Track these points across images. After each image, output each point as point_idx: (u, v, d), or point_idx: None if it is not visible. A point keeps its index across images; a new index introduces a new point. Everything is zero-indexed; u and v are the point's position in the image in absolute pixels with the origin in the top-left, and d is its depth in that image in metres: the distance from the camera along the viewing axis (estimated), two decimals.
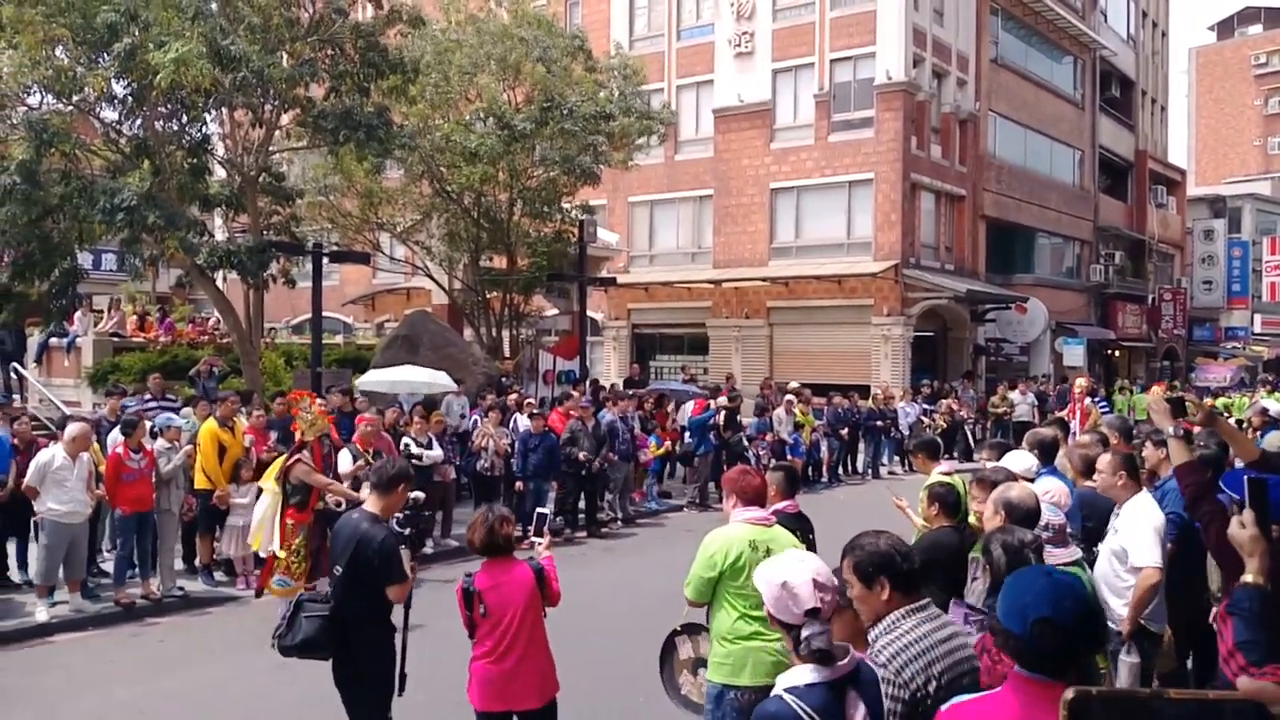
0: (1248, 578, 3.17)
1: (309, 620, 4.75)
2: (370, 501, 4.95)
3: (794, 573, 2.79)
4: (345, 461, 9.76)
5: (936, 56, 25.94)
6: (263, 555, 8.41)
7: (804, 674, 2.70)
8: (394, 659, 4.88)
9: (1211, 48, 63.53)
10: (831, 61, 25.71)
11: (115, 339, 17.85)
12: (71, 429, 8.75)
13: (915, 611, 2.96)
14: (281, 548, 8.10)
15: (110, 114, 13.51)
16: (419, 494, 5.34)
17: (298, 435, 8.52)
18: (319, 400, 9.53)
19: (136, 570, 9.22)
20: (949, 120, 26.52)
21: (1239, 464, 5.12)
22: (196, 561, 10.12)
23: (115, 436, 9.44)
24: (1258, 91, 60.11)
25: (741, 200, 26.89)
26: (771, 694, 2.73)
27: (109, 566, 9.53)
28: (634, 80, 19.70)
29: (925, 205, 25.98)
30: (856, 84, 25.38)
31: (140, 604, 8.99)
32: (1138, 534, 5.02)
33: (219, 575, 9.92)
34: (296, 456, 8.26)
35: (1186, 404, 4.80)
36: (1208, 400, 10.41)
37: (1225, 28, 64.47)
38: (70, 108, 12.96)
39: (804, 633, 2.71)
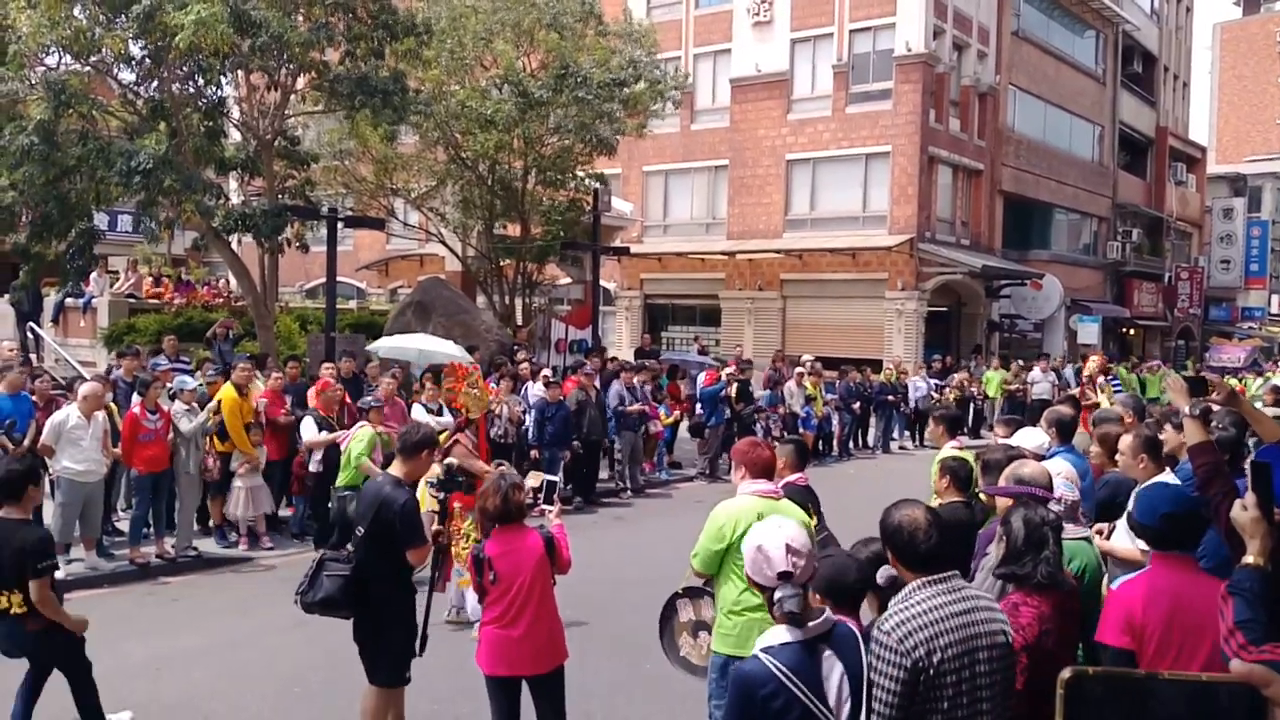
0: (1249, 559, 3.20)
1: (330, 579, 4.89)
2: (395, 465, 5.11)
3: (769, 538, 2.93)
4: (309, 430, 9.87)
5: (957, 28, 25.61)
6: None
7: (779, 634, 2.84)
8: (414, 620, 5.01)
9: (1237, 23, 62.43)
10: (851, 32, 25.42)
11: (131, 300, 17.96)
12: (84, 388, 8.84)
13: (934, 584, 2.98)
14: (455, 536, 7.32)
15: (127, 75, 13.51)
16: (452, 460, 5.42)
17: (461, 413, 7.73)
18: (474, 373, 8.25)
19: (151, 529, 9.34)
20: (968, 93, 26.23)
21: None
22: (210, 522, 10.25)
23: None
24: None
25: (757, 171, 26.72)
26: (749, 655, 2.87)
27: (124, 525, 9.67)
28: (646, 44, 19.53)
29: (942, 179, 25.78)
30: (875, 55, 25.10)
31: (154, 563, 9.13)
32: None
33: (232, 536, 10.04)
34: (456, 437, 7.50)
35: (1207, 382, 4.78)
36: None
37: (1251, 3, 63.30)
38: (88, 68, 12.95)
39: (777, 594, 2.85)
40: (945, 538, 3.09)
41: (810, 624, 2.85)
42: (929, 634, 2.87)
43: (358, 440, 8.67)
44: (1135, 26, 34.37)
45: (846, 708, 2.81)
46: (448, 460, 6.89)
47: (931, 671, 2.84)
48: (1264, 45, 59.80)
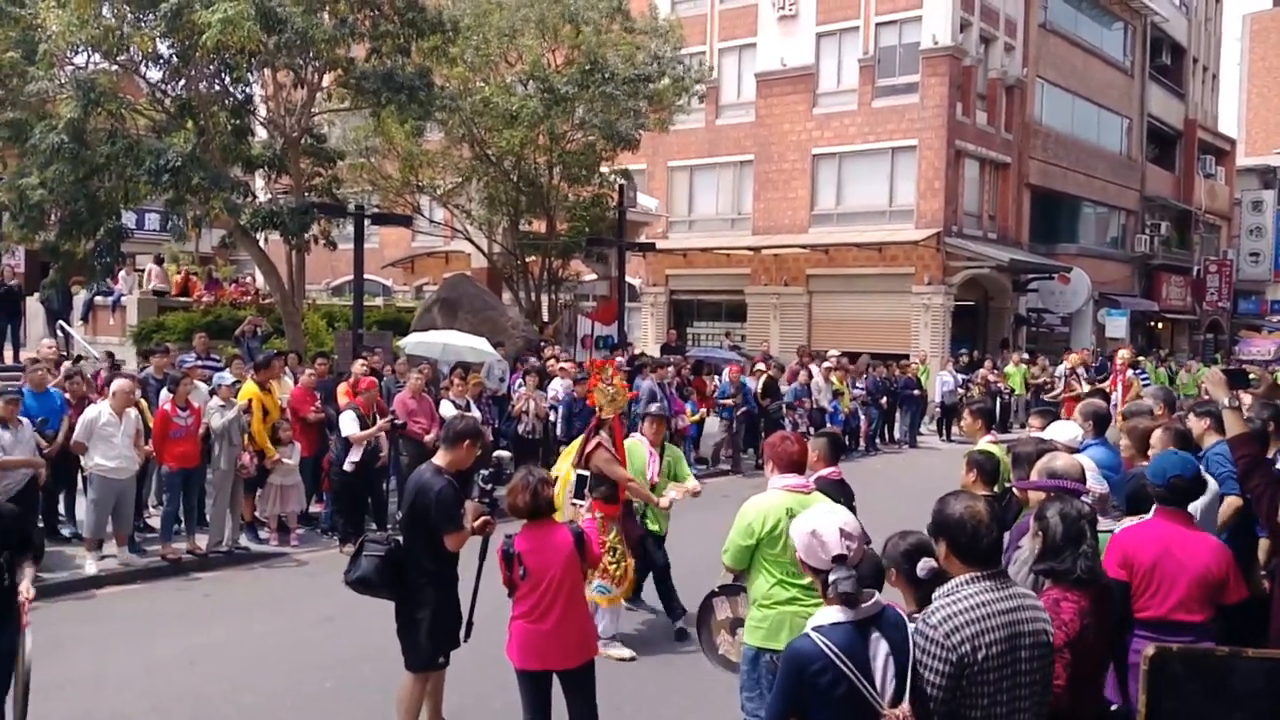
0: None
1: (368, 559, 5.05)
2: (438, 455, 5.22)
3: (823, 523, 3.05)
4: (350, 424, 9.85)
5: (984, 21, 25.35)
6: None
7: (831, 614, 2.94)
8: (453, 608, 5.09)
9: (1267, 14, 61.27)
10: (877, 25, 25.21)
11: (159, 298, 18.13)
12: (114, 385, 8.91)
13: (982, 579, 2.95)
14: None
15: (155, 74, 13.61)
16: (506, 454, 5.43)
17: (597, 411, 7.08)
18: (600, 369, 7.43)
19: (182, 525, 9.42)
20: (995, 86, 25.97)
21: None
22: (241, 519, 10.31)
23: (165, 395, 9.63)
24: None
25: (782, 166, 26.59)
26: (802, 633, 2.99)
27: (156, 522, 9.75)
28: (672, 39, 19.48)
29: (969, 173, 25.54)
30: (902, 48, 24.89)
31: (186, 559, 9.19)
32: None
33: (263, 533, 10.10)
34: (597, 440, 6.85)
35: (1249, 375, 4.74)
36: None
37: None
38: (116, 67, 13.06)
39: (832, 576, 2.95)
40: (1001, 532, 3.08)
41: (863, 605, 2.93)
42: (975, 630, 2.83)
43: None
44: (1164, 18, 33.90)
45: (892, 686, 2.86)
46: (578, 471, 6.56)
47: (976, 668, 2.81)
48: None
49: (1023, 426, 16.17)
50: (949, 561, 3.05)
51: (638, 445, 7.18)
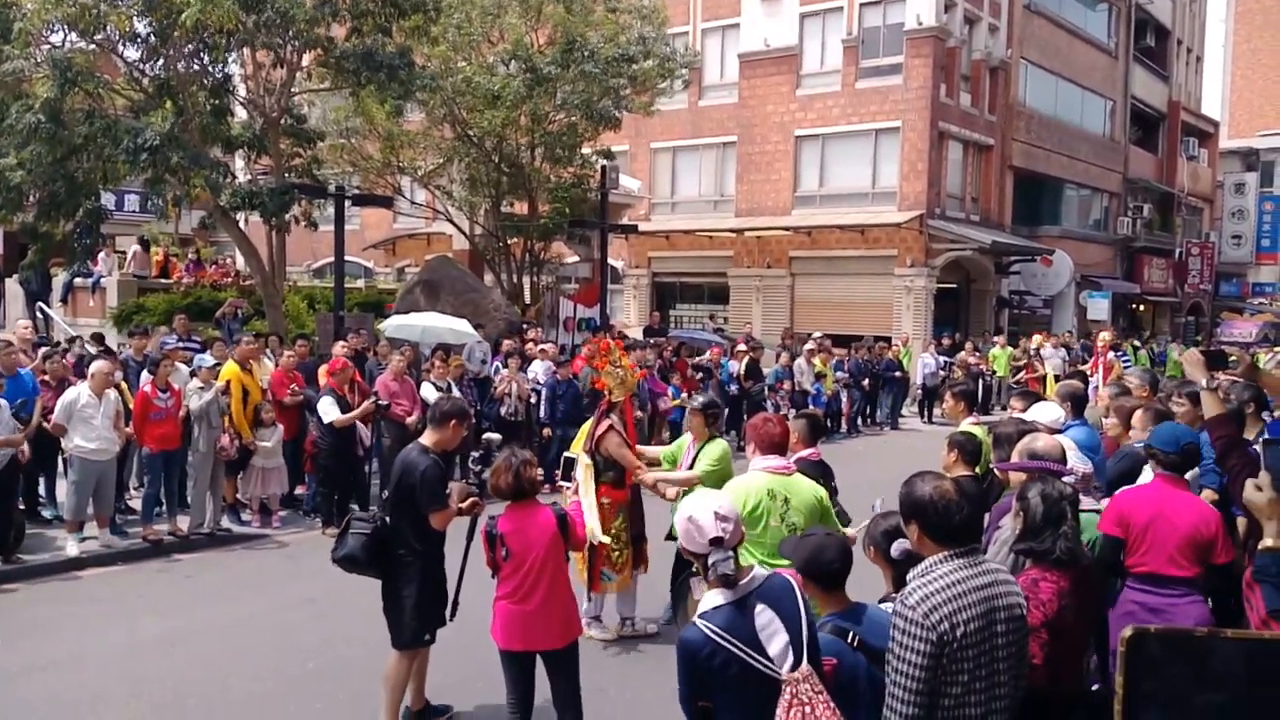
0: (1268, 541, 3.15)
1: (354, 537, 5.10)
2: (425, 435, 5.28)
3: (698, 508, 3.04)
4: (329, 409, 9.79)
5: (968, 1, 25.31)
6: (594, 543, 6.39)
7: (713, 598, 2.96)
8: (439, 586, 5.13)
9: None
10: (861, 6, 25.14)
11: (140, 279, 17.97)
12: (94, 367, 8.85)
13: (955, 557, 2.96)
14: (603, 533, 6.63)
15: (133, 53, 13.44)
16: (496, 436, 5.44)
17: (606, 394, 6.82)
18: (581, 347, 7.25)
19: (163, 507, 9.38)
20: (979, 67, 25.97)
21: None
22: (223, 500, 10.27)
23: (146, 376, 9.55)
24: None
25: (765, 148, 26.55)
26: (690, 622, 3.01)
27: (137, 504, 9.70)
28: (655, 21, 19.38)
29: (952, 155, 25.57)
30: (886, 29, 24.84)
31: (167, 540, 9.16)
32: None
33: (245, 515, 10.07)
34: (608, 423, 6.64)
35: (1228, 357, 4.82)
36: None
37: None
38: (93, 46, 12.89)
39: (710, 559, 2.95)
40: (975, 509, 3.09)
41: (742, 583, 2.96)
42: (952, 607, 2.85)
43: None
44: None
45: (789, 652, 2.87)
46: (566, 455, 6.41)
47: (955, 645, 2.83)
48: (1278, 19, 58.98)
49: (1004, 409, 16.27)
50: (921, 543, 3.04)
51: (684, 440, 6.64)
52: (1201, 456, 4.70)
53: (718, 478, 5.66)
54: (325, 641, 6.78)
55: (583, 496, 6.31)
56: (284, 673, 6.27)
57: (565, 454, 5.55)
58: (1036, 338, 21.10)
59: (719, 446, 6.15)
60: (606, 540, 6.49)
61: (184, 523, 9.39)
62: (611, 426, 6.60)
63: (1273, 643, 2.21)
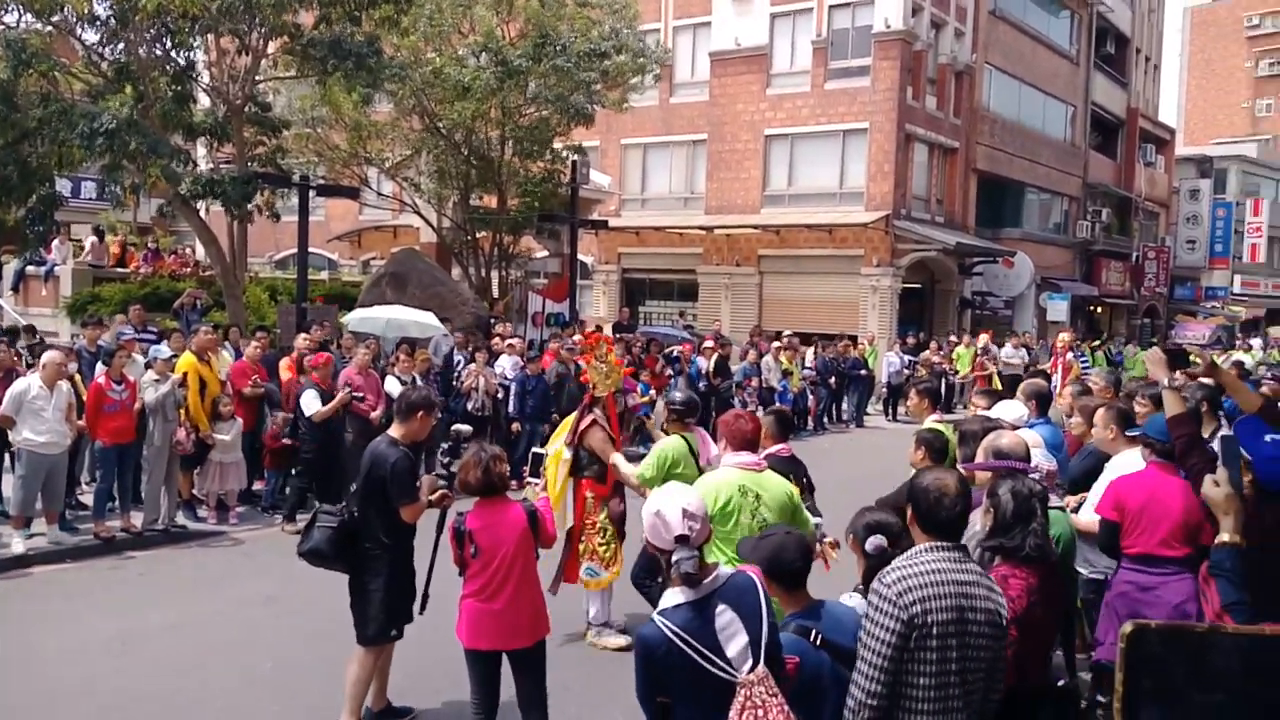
0: (1224, 536, 3.18)
1: (320, 530, 5.00)
2: (393, 427, 5.18)
3: (666, 503, 3.00)
4: (311, 402, 9.65)
5: (935, 6, 25.53)
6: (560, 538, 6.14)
7: (674, 596, 2.95)
8: (407, 580, 5.06)
9: (1206, 7, 62.79)
10: (830, 7, 25.26)
11: (95, 269, 17.57)
12: (45, 357, 8.58)
13: (941, 549, 3.01)
14: (587, 528, 6.55)
15: (91, 36, 13.14)
16: (466, 428, 5.33)
17: (590, 389, 6.68)
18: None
19: (116, 503, 9.15)
20: (945, 71, 26.19)
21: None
22: (178, 496, 10.04)
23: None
24: (1249, 53, 59.56)
25: (735, 146, 26.59)
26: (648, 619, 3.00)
27: (88, 499, 9.45)
28: (626, 15, 19.32)
29: (918, 157, 25.78)
30: (855, 31, 24.98)
31: (120, 537, 8.93)
32: (1100, 487, 5.19)
33: (201, 511, 9.86)
34: (591, 418, 6.53)
35: (1190, 356, 4.89)
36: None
37: None
38: (49, 28, 12.57)
39: (674, 557, 2.93)
40: (966, 509, 3.09)
41: (705, 581, 2.94)
42: (927, 593, 2.89)
43: None
44: (1109, 8, 34.47)
45: (747, 654, 2.85)
46: (534, 450, 6.20)
47: (923, 630, 2.86)
48: (1232, 30, 60.23)
49: (965, 407, 16.44)
50: (913, 528, 3.10)
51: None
52: None
53: (659, 480, 5.53)
54: (284, 640, 6.63)
55: (551, 489, 6.18)
56: (241, 673, 6.11)
57: (534, 449, 5.47)
58: (983, 336, 21.35)
59: (667, 448, 5.94)
60: (591, 537, 6.44)
61: (138, 519, 9.15)
62: (595, 421, 6.51)
63: (1270, 639, 2.20)
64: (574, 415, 6.72)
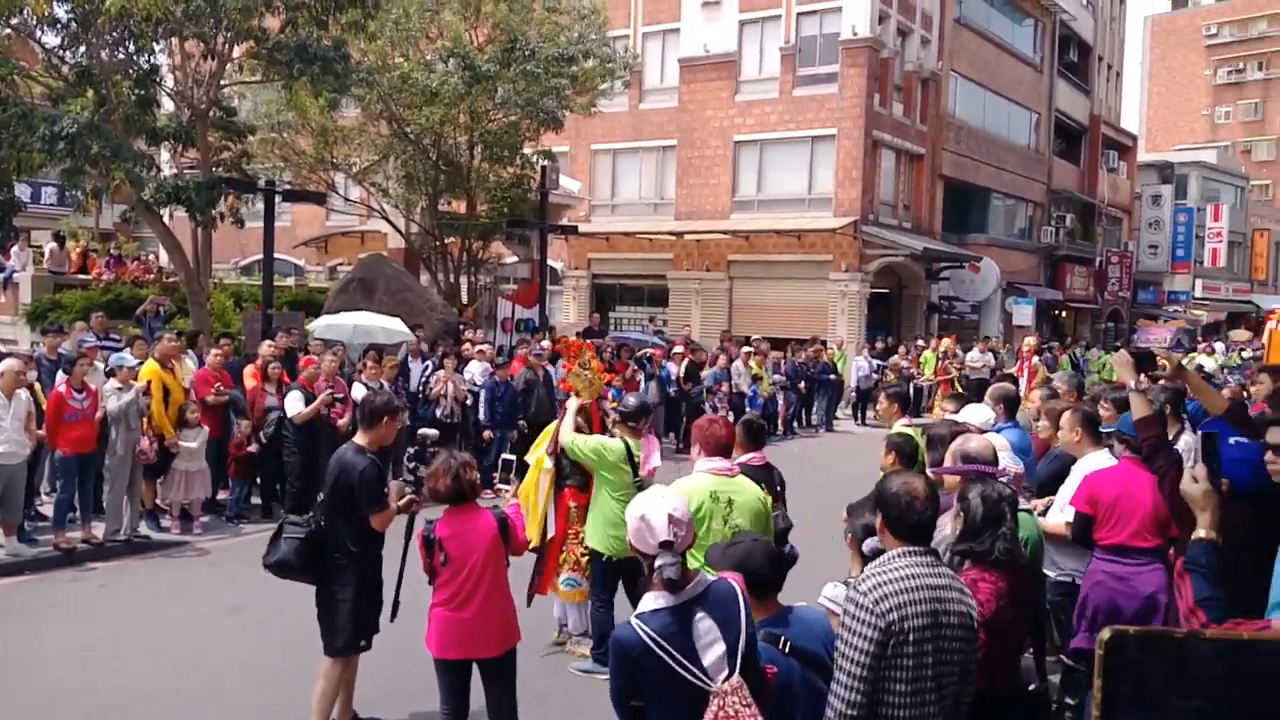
0: (1200, 533, 3.21)
1: (287, 541, 4.90)
2: (359, 435, 5.10)
3: (652, 508, 2.97)
4: (295, 403, 9.62)
5: (901, 14, 25.78)
6: (534, 545, 6.09)
7: (653, 600, 2.93)
8: (376, 590, 5.00)
9: (1166, 16, 64.01)
10: (798, 15, 25.43)
11: (56, 275, 17.26)
12: (3, 364, 8.40)
13: (913, 554, 3.00)
14: (569, 538, 6.46)
15: (52, 39, 12.92)
16: (432, 431, 5.25)
17: (572, 397, 6.50)
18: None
19: (77, 513, 8.97)
20: (911, 79, 26.45)
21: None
22: (141, 505, 9.86)
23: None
24: (1208, 61, 60.78)
25: (705, 152, 26.67)
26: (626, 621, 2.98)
27: (48, 510, 9.26)
28: (595, 21, 19.32)
29: (885, 163, 25.99)
30: (822, 38, 25.16)
31: (81, 548, 8.76)
32: (1066, 490, 5.27)
33: (164, 521, 9.70)
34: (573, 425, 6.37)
35: (1157, 359, 4.94)
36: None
37: None
38: (8, 30, 12.34)
39: (658, 562, 2.91)
40: (935, 512, 3.10)
41: (687, 588, 2.93)
42: (903, 600, 2.89)
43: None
44: (1072, 16, 35.00)
45: (723, 662, 2.85)
46: (504, 456, 6.04)
47: (901, 637, 2.86)
48: (1191, 38, 61.43)
49: (930, 411, 16.57)
50: (883, 535, 3.10)
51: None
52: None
53: (581, 458, 5.89)
54: (249, 652, 6.54)
55: (527, 499, 6.08)
56: (205, 685, 6.01)
57: (503, 455, 5.42)
58: (946, 341, 21.56)
59: (608, 444, 5.96)
60: (572, 547, 6.38)
61: (99, 530, 8.99)
62: (578, 427, 6.34)
63: (1250, 643, 2.22)
64: (555, 424, 6.56)
